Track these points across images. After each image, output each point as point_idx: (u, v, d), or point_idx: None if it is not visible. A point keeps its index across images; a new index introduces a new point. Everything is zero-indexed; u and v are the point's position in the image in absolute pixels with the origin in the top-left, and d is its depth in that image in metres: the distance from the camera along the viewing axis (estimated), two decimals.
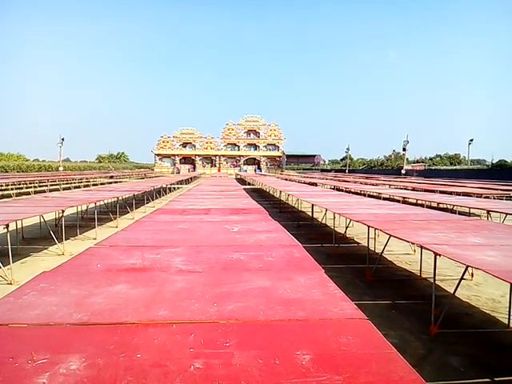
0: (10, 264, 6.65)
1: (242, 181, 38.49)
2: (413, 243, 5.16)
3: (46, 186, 27.57)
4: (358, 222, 6.72)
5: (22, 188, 26.24)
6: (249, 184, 35.62)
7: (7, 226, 6.23)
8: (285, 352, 1.83)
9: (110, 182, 37.32)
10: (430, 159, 78.28)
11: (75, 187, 30.75)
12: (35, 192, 24.65)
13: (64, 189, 28.35)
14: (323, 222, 11.96)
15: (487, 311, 5.38)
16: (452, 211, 12.37)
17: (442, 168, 58.64)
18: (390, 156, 78.36)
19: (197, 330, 2.05)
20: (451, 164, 71.33)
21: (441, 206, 13.03)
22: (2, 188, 24.31)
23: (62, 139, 54.39)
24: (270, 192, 25.42)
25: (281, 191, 17.52)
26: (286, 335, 2.02)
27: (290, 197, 17.13)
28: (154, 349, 1.84)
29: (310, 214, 12.58)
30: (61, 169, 52.56)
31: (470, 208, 10.96)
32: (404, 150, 56.08)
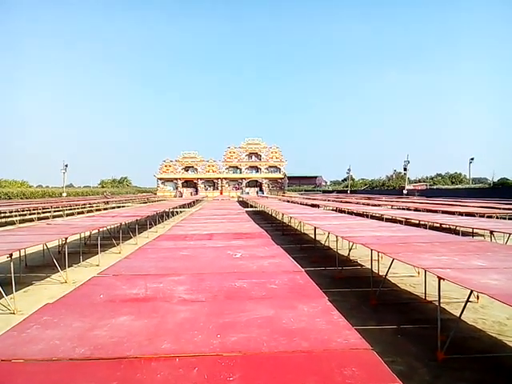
0: (13, 293, 6.63)
1: (244, 203, 38.52)
2: (416, 267, 5.13)
3: (50, 212, 27.65)
4: (361, 244, 6.71)
5: (25, 215, 26.30)
6: (251, 206, 35.62)
7: (11, 255, 6.24)
8: None
9: (113, 207, 37.43)
10: (431, 178, 78.33)
11: (78, 213, 30.82)
12: (39, 218, 24.72)
13: (67, 215, 28.43)
14: (326, 244, 11.92)
15: (494, 335, 5.31)
16: (455, 232, 12.35)
17: (443, 187, 58.65)
18: (392, 176, 78.51)
19: (200, 363, 2.04)
20: (452, 183, 71.35)
21: (444, 226, 12.99)
22: (6, 215, 24.39)
23: (66, 165, 54.92)
24: (273, 214, 25.41)
25: (283, 214, 17.52)
26: (291, 368, 2.01)
27: (292, 219, 17.11)
28: None
29: (313, 237, 12.55)
30: (64, 195, 52.74)
31: (473, 228, 10.91)
32: (405, 169, 56.33)
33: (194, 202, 41.03)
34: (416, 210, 19.63)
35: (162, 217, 23.45)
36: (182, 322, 2.68)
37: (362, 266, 10.01)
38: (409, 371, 4.19)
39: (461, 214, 15.77)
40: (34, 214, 26.23)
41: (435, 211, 17.50)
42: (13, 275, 6.59)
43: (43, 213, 28.30)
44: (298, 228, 17.59)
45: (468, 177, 67.18)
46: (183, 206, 33.35)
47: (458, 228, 12.40)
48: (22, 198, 44.37)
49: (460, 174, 77.80)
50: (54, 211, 28.90)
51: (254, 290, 3.52)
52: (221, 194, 74.79)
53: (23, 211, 25.55)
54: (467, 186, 56.18)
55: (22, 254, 9.69)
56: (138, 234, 15.70)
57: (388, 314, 6.13)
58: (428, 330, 5.30)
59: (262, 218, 24.59)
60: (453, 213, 16.20)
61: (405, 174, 58.58)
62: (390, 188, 66.59)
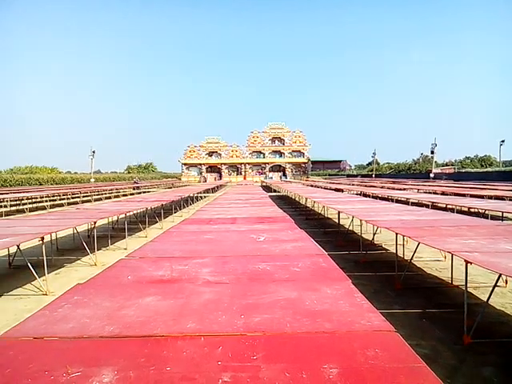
0: (45, 275, 6.88)
1: (267, 188, 38.55)
2: (443, 250, 5.04)
3: (79, 197, 28.39)
4: (385, 228, 6.63)
5: (55, 200, 27.12)
6: (274, 191, 35.62)
7: (42, 238, 6.46)
8: (312, 365, 1.84)
9: (139, 193, 38.11)
10: (460, 162, 76.10)
11: (106, 198, 31.53)
12: (68, 204, 25.44)
13: (95, 200, 29.14)
14: (350, 228, 11.83)
15: None
16: (484, 215, 12.02)
17: (472, 170, 56.91)
18: (418, 159, 76.74)
19: (224, 342, 2.08)
20: (482, 166, 69.11)
21: (472, 210, 12.68)
22: (38, 200, 25.19)
23: (93, 152, 56.03)
24: (296, 199, 25.34)
25: (306, 198, 17.45)
26: (313, 348, 2.03)
27: (315, 204, 17.03)
28: (183, 361, 1.88)
29: (337, 221, 12.48)
30: (92, 180, 53.96)
31: (502, 212, 10.60)
32: (432, 152, 54.96)
33: (217, 187, 41.30)
34: (443, 193, 19.21)
35: (187, 201, 23.73)
36: (207, 303, 2.73)
37: (386, 250, 9.90)
38: (433, 354, 4.16)
39: (490, 197, 15.32)
40: (64, 199, 27.02)
41: (463, 195, 17.07)
42: (45, 258, 6.83)
43: (72, 198, 29.08)
44: (322, 212, 17.50)
45: (498, 159, 65.02)
46: (207, 191, 33.64)
47: (486, 212, 12.06)
48: (52, 184, 45.65)
49: (490, 157, 75.20)
50: (83, 196, 29.66)
51: (277, 273, 3.54)
52: (244, 178, 75.00)
53: (53, 196, 26.39)
54: (497, 168, 54.37)
55: (54, 237, 10.02)
56: (164, 218, 15.95)
57: (413, 298, 6.07)
58: (454, 315, 5.23)
59: (286, 202, 24.58)
60: (482, 196, 15.76)
61: (432, 157, 57.18)
62: (417, 172, 65.04)
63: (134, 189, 41.84)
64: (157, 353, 1.98)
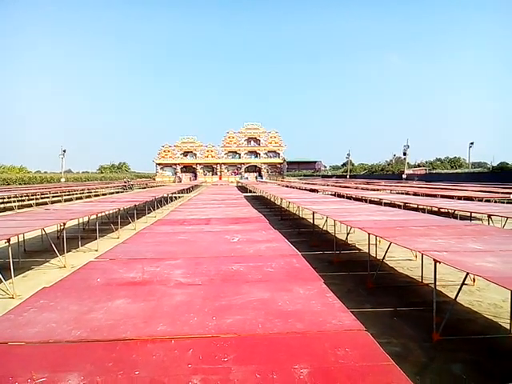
0: (11, 278, 6.66)
1: (243, 188, 38.52)
2: (413, 250, 5.15)
3: (48, 197, 27.62)
4: (358, 228, 6.72)
5: (24, 200, 26.29)
6: (250, 191, 35.64)
7: (8, 240, 6.25)
8: (282, 366, 1.83)
9: (112, 192, 37.42)
10: (431, 163, 78.03)
11: (77, 198, 30.81)
12: (37, 204, 24.71)
13: (66, 200, 28.43)
14: (324, 228, 11.96)
15: (489, 317, 5.36)
16: (453, 216, 12.37)
17: (442, 172, 58.51)
18: (391, 160, 78.25)
19: (195, 345, 2.05)
20: (452, 167, 71.12)
21: (442, 210, 13.02)
22: (5, 201, 24.38)
23: (64, 151, 54.77)
24: (271, 199, 25.43)
25: (282, 198, 17.52)
26: (284, 348, 2.03)
27: (290, 204, 17.13)
28: (152, 365, 1.85)
29: (311, 221, 12.58)
30: (63, 180, 52.65)
31: (471, 212, 10.93)
32: (404, 154, 56.33)
33: (192, 187, 41.02)
34: (415, 194, 19.64)
35: (161, 202, 23.46)
36: (178, 305, 2.69)
37: (359, 249, 10.05)
38: (404, 352, 4.24)
39: (459, 198, 15.76)
40: (33, 199, 26.20)
41: (434, 195, 17.52)
42: (11, 260, 6.61)
43: (42, 198, 28.26)
44: (297, 213, 17.62)
45: (467, 161, 67.14)
46: (182, 192, 33.36)
47: (456, 212, 12.41)
48: (20, 184, 44.26)
49: (459, 159, 77.45)
50: (53, 197, 28.88)
51: (251, 274, 3.53)
52: (220, 179, 74.78)
53: (22, 197, 25.55)
54: (466, 170, 56.01)
55: (21, 239, 9.71)
56: (137, 219, 15.71)
57: (385, 297, 6.18)
58: (424, 313, 5.35)
59: (261, 202, 24.63)
60: (451, 197, 16.20)
61: (404, 158, 58.53)
62: (390, 173, 66.29)
63: (124, 188, 41.36)
64: (125, 357, 1.94)
